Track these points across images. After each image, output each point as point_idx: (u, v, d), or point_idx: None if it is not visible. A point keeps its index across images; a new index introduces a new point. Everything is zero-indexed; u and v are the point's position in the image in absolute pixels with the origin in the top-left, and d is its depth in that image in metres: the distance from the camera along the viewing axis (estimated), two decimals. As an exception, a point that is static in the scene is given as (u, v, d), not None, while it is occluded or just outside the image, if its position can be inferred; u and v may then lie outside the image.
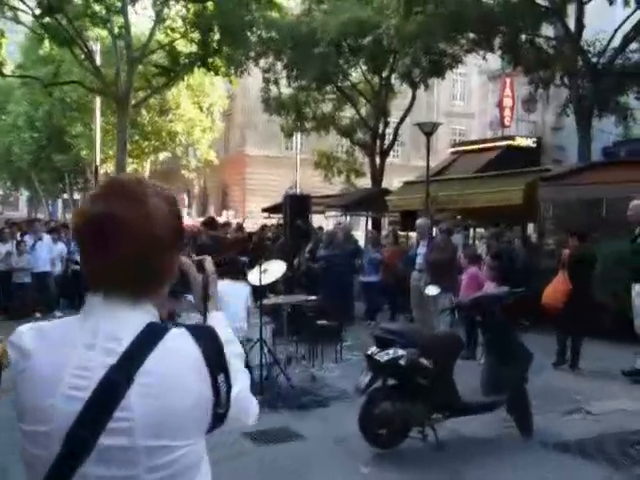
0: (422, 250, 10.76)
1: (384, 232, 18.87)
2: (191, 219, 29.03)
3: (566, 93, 17.48)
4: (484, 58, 19.35)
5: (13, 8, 20.04)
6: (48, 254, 13.58)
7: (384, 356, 5.22)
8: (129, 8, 20.47)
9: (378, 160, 22.99)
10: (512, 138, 24.25)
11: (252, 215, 33.28)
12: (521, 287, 7.29)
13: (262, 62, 22.43)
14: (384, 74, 22.26)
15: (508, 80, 24.66)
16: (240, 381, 1.45)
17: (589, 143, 16.38)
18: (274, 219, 21.85)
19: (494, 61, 21.46)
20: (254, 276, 7.65)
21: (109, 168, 30.04)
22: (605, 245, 10.18)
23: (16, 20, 21.02)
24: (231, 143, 43.67)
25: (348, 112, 25.07)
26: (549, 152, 23.70)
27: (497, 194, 14.93)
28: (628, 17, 15.79)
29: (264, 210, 24.94)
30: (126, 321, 1.31)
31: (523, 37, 17.49)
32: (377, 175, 22.94)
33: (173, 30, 21.49)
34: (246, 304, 7.31)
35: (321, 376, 8.01)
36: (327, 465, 5.30)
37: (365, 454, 5.35)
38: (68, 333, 1.32)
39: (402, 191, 19.39)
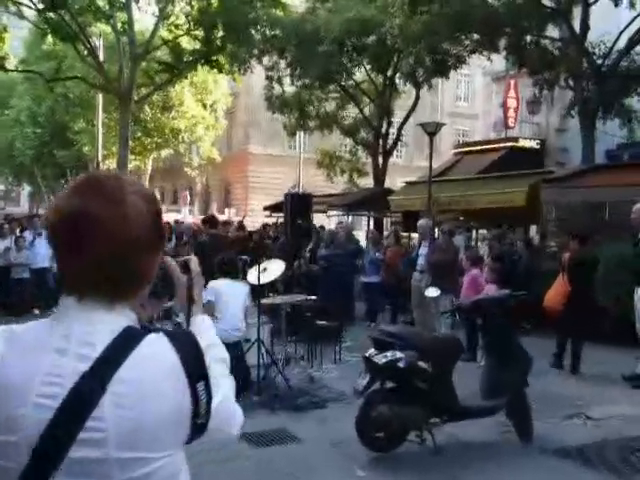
0: (423, 251, 10.69)
1: (386, 232, 18.80)
2: (193, 217, 29.00)
3: (570, 95, 17.41)
4: (489, 59, 19.28)
5: (17, 3, 20.00)
6: (47, 250, 13.46)
7: (382, 358, 5.14)
8: (133, 4, 20.42)
9: (381, 160, 22.93)
10: (516, 140, 24.19)
11: (254, 213, 33.27)
12: (523, 290, 7.22)
13: (265, 60, 22.38)
14: (388, 74, 22.19)
15: (512, 81, 24.61)
16: (223, 389, 1.38)
17: (593, 145, 16.32)
18: (276, 218, 21.81)
19: (498, 62, 21.39)
20: (253, 275, 7.58)
21: (111, 164, 29.98)
22: (607, 248, 10.11)
23: (20, 15, 20.99)
24: (234, 141, 43.63)
25: (351, 111, 25.01)
26: (553, 154, 23.63)
27: (500, 195, 14.87)
28: (634, 19, 15.72)
29: (265, 208, 24.90)
30: (101, 325, 1.24)
31: (528, 38, 17.43)
32: (380, 175, 22.88)
33: (177, 27, 21.44)
34: (244, 304, 7.24)
35: (319, 377, 7.94)
36: (323, 468, 5.23)
37: (362, 457, 5.28)
38: (40, 337, 1.25)
39: (404, 191, 19.33)
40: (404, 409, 5.20)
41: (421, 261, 10.60)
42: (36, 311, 12.24)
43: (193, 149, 37.48)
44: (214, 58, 21.07)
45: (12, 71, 24.89)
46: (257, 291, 7.69)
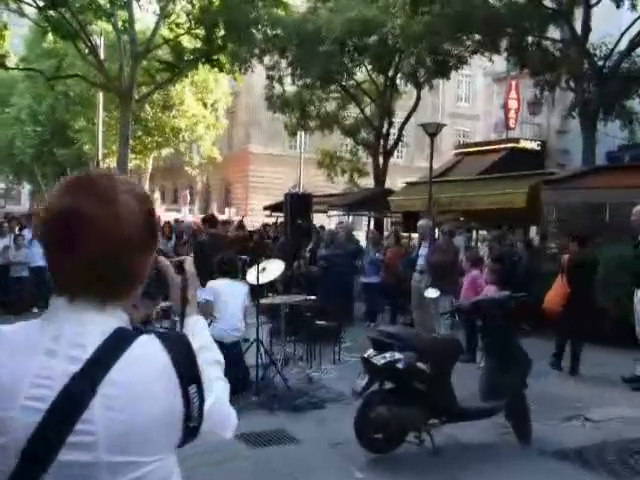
0: (423, 252, 10.66)
1: (386, 233, 18.78)
2: (193, 216, 28.99)
3: (571, 96, 17.39)
4: (490, 60, 19.26)
5: (17, 0, 19.99)
6: (46, 248, 13.50)
7: (381, 359, 5.12)
8: (133, 2, 20.42)
9: (381, 160, 22.91)
10: (516, 141, 24.18)
11: (254, 213, 33.26)
12: (523, 291, 7.20)
13: (266, 59, 22.36)
14: (389, 74, 22.17)
15: (514, 82, 24.59)
16: (216, 391, 1.36)
17: (594, 147, 16.30)
18: (276, 217, 21.79)
19: (499, 63, 21.37)
20: (253, 275, 7.56)
21: (112, 163, 29.97)
22: (608, 250, 10.09)
23: (20, 13, 20.99)
24: (235, 140, 43.62)
25: (352, 111, 24.99)
26: (553, 155, 23.62)
27: (500, 196, 14.85)
28: (635, 21, 15.70)
29: (266, 208, 24.88)
30: (92, 326, 1.22)
31: (529, 39, 17.41)
32: (380, 175, 22.86)
33: (178, 26, 21.45)
34: (243, 303, 7.22)
35: (318, 377, 7.90)
36: (322, 469, 5.21)
37: (360, 458, 5.26)
38: (30, 338, 1.23)
39: (404, 192, 19.31)
40: (403, 410, 5.17)
41: (421, 262, 10.58)
42: (35, 309, 12.21)
43: (194, 148, 37.48)
44: (215, 57, 21.10)
45: (12, 69, 24.91)
46: (256, 291, 7.66)
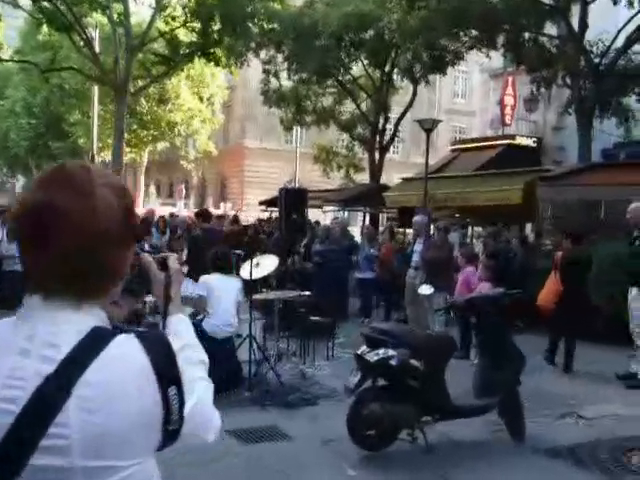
0: (418, 248, 10.63)
1: (381, 228, 18.75)
2: (188, 210, 28.90)
3: (568, 93, 17.36)
4: (488, 56, 19.22)
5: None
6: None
7: (374, 356, 5.09)
8: (129, -5, 20.31)
9: (377, 156, 22.87)
10: (513, 137, 24.16)
11: (249, 208, 33.20)
12: (517, 288, 7.17)
13: (262, 54, 22.28)
14: (385, 69, 22.11)
15: (510, 79, 24.55)
16: (198, 392, 1.32)
17: (589, 144, 16.28)
18: (270, 212, 21.74)
19: (496, 59, 21.33)
20: (246, 270, 7.52)
21: (107, 157, 29.88)
22: (603, 247, 10.08)
23: (14, 4, 20.84)
24: (231, 134, 43.51)
25: (348, 107, 24.93)
26: (549, 152, 23.61)
27: (496, 193, 14.83)
28: (632, 18, 15.66)
29: (261, 203, 24.83)
30: (67, 325, 1.17)
31: (526, 35, 17.36)
32: (376, 171, 22.82)
33: (173, 19, 21.34)
34: (237, 299, 7.18)
35: (312, 373, 7.86)
36: (314, 466, 5.18)
37: (353, 456, 5.23)
38: (3, 338, 1.18)
39: (400, 187, 19.28)
40: (396, 407, 5.14)
41: (416, 258, 10.55)
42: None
43: (189, 142, 37.39)
44: (211, 51, 20.98)
45: (7, 61, 24.79)
46: (250, 286, 7.62)
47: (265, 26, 21.02)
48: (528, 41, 17.39)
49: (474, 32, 17.56)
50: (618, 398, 7.25)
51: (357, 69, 23.33)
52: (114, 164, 20.82)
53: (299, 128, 28.42)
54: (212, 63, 22.31)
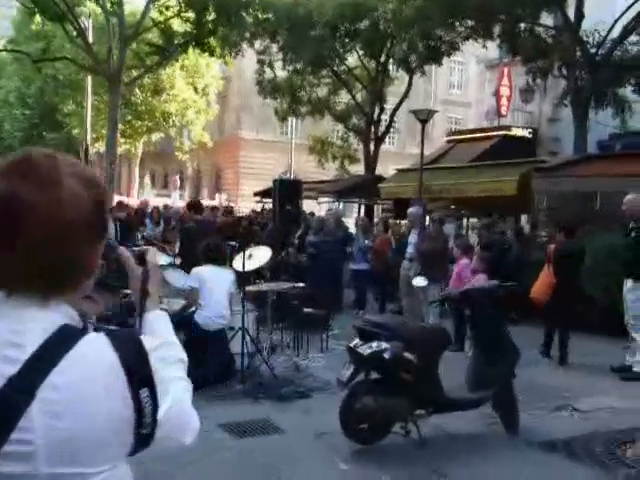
0: (413, 239, 10.59)
1: (376, 219, 18.70)
2: (183, 201, 28.80)
3: (564, 84, 17.30)
4: (484, 46, 19.11)
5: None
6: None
7: (367, 349, 5.03)
8: (122, -16, 20.11)
9: (372, 146, 22.79)
10: (508, 128, 24.11)
11: (245, 199, 33.10)
12: (512, 279, 7.14)
13: (257, 44, 22.14)
14: (381, 59, 22.00)
15: (506, 69, 24.48)
16: (175, 393, 1.25)
17: (585, 135, 16.25)
18: (264, 204, 21.66)
19: (492, 50, 21.24)
20: (238, 262, 7.46)
21: (101, 147, 29.73)
22: (598, 238, 10.05)
23: (7, -7, 20.66)
24: (226, 125, 43.34)
25: (343, 97, 24.83)
26: (545, 143, 23.57)
27: (491, 184, 14.79)
28: (628, 8, 15.59)
29: (256, 194, 24.74)
30: (33, 324, 1.10)
31: (522, 26, 17.27)
32: (371, 162, 22.75)
33: (167, 8, 21.15)
34: (229, 291, 7.12)
35: (305, 366, 7.81)
36: (306, 460, 5.13)
37: (345, 450, 5.18)
38: None
39: (395, 179, 19.21)
40: (389, 400, 5.09)
41: (410, 249, 10.51)
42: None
43: (184, 133, 37.23)
44: (205, 41, 20.82)
45: (0, 51, 24.56)
46: (242, 278, 7.56)
47: (260, 16, 20.88)
48: (524, 31, 17.32)
49: (470, 22, 17.48)
50: (613, 390, 7.22)
51: (352, 59, 23.23)
52: (108, 155, 20.70)
53: (294, 119, 28.28)
54: (206, 53, 22.15)
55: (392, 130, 24.68)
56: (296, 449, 5.31)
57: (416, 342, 5.27)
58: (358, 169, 25.59)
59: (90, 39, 20.84)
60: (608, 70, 16.10)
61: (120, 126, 23.77)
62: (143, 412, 1.11)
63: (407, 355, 5.12)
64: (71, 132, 31.95)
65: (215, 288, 7.00)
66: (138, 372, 1.12)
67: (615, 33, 15.89)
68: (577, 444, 5.53)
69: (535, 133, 24.33)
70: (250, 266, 7.50)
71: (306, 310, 8.96)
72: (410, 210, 11.27)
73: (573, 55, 16.23)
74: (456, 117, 43.11)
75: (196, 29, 20.57)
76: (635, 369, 7.85)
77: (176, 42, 21.27)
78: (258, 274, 10.03)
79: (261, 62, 22.90)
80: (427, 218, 12.21)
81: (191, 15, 20.60)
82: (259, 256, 7.79)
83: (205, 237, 8.30)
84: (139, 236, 13.01)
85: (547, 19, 17.63)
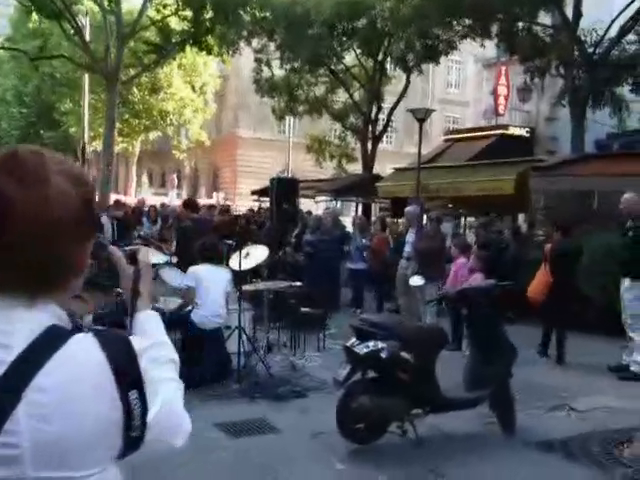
0: (410, 238, 10.57)
1: (374, 218, 18.69)
2: (180, 200, 28.76)
3: (561, 83, 17.29)
4: (482, 45, 19.10)
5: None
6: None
7: (364, 349, 5.01)
8: (120, -18, 20.06)
9: (370, 145, 22.77)
10: (506, 127, 24.10)
11: (242, 198, 33.07)
12: (509, 278, 7.12)
13: (255, 42, 22.11)
14: (378, 58, 21.98)
15: (503, 68, 24.47)
16: (166, 394, 1.23)
17: (582, 134, 16.24)
18: (261, 202, 21.63)
19: (490, 49, 21.23)
20: (235, 261, 7.44)
21: (98, 146, 29.67)
22: (596, 237, 10.04)
23: (3, -9, 20.60)
24: (223, 124, 43.31)
25: (341, 96, 24.81)
26: (542, 142, 23.56)
27: (488, 183, 14.77)
28: (626, 7, 15.57)
29: (253, 193, 24.70)
30: (20, 324, 1.08)
31: (520, 25, 17.26)
32: (369, 161, 22.74)
33: (165, 7, 21.12)
34: (225, 289, 7.10)
35: (302, 365, 7.80)
36: (302, 460, 5.11)
37: (342, 449, 5.16)
38: None
39: (393, 178, 19.18)
40: (385, 400, 5.08)
41: (408, 248, 10.49)
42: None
43: (182, 132, 37.19)
44: (203, 39, 20.78)
45: (-5, 48, 24.51)
46: (239, 277, 7.54)
47: (257, 14, 20.84)
48: (522, 30, 17.30)
49: (467, 21, 17.46)
50: (610, 390, 7.21)
51: (350, 58, 23.20)
52: (105, 153, 20.66)
53: (292, 117, 28.26)
54: (204, 52, 22.11)
55: (390, 129, 24.70)
56: (292, 449, 5.29)
57: (413, 341, 5.25)
58: (356, 168, 25.58)
59: (87, 37, 20.81)
60: (606, 69, 16.09)
61: (117, 125, 23.71)
62: (132, 414, 1.09)
63: (404, 354, 5.10)
64: (68, 131, 31.88)
65: (211, 287, 6.98)
66: (127, 373, 1.10)
67: (613, 32, 15.88)
68: (574, 444, 5.52)
69: (533, 132, 24.32)
70: (247, 265, 7.48)
71: (303, 309, 8.94)
72: (407, 209, 11.25)
73: (571, 54, 16.22)
74: (454, 116, 43.11)
75: (193, 27, 20.53)
76: (632, 368, 7.84)
77: (173, 40, 21.24)
78: (255, 273, 10.02)
79: (258, 61, 22.88)
80: (424, 217, 12.21)
81: (188, 13, 20.56)
82: (256, 255, 7.77)
83: (201, 236, 8.27)
84: (135, 235, 12.99)
85: (545, 18, 17.62)
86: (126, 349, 1.13)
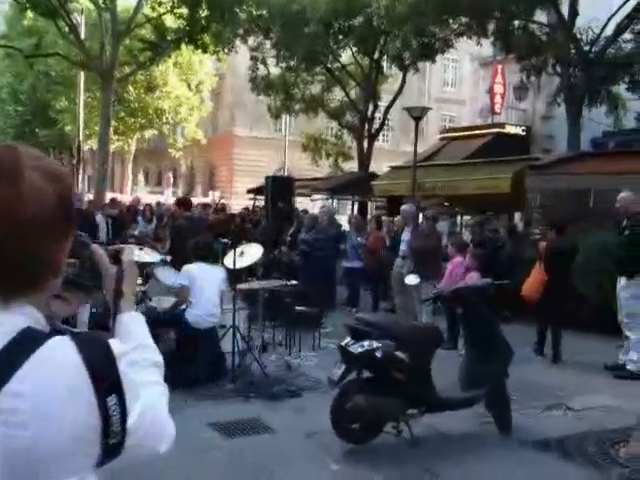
0: (406, 237, 10.53)
1: (370, 217, 18.66)
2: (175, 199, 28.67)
3: (557, 82, 17.27)
4: (478, 44, 19.07)
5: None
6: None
7: (358, 348, 4.98)
8: (115, -21, 19.97)
9: (366, 144, 22.74)
10: (502, 126, 24.10)
11: (238, 196, 33.00)
12: (505, 277, 7.10)
13: (250, 40, 22.05)
14: (374, 56, 21.94)
15: (500, 67, 24.46)
16: (148, 398, 1.18)
17: (579, 133, 16.24)
18: (255, 200, 21.58)
19: (486, 47, 21.21)
20: (230, 259, 7.39)
21: (94, 144, 29.59)
22: (592, 236, 10.02)
23: (-3, -12, 20.51)
24: (219, 122, 43.21)
25: (337, 94, 24.75)
26: (539, 141, 23.56)
27: (485, 181, 14.76)
28: (622, 5, 15.56)
29: (249, 191, 24.64)
30: None
31: (516, 23, 17.23)
32: (365, 159, 22.70)
33: (160, 4, 20.99)
34: (220, 288, 7.05)
35: (297, 364, 7.76)
36: (297, 460, 5.07)
37: (336, 449, 5.12)
38: None
39: (389, 176, 19.16)
40: (380, 400, 5.04)
41: (403, 247, 10.45)
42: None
43: (178, 130, 37.09)
44: (198, 37, 20.70)
45: (-10, 46, 24.40)
46: (234, 276, 7.49)
47: (253, 12, 20.78)
48: (518, 29, 17.28)
49: (464, 19, 17.43)
50: (607, 389, 7.19)
51: (346, 56, 23.15)
52: (101, 152, 20.58)
53: (288, 116, 28.21)
54: (200, 50, 22.03)
55: (386, 127, 24.69)
56: (287, 449, 5.25)
57: (408, 341, 5.21)
58: (352, 166, 25.53)
59: (82, 35, 20.72)
60: (602, 68, 16.08)
61: (113, 123, 23.64)
62: (110, 420, 1.05)
63: (399, 354, 5.07)
64: (63, 129, 31.77)
65: (206, 286, 6.93)
66: (105, 377, 1.06)
67: (609, 31, 15.87)
68: (570, 443, 5.50)
69: (529, 131, 24.32)
70: (242, 263, 7.44)
71: (298, 308, 8.90)
72: (403, 207, 11.21)
73: (567, 53, 16.20)
74: (450, 115, 43.07)
75: (189, 25, 20.44)
76: (628, 367, 7.82)
77: (169, 38, 21.15)
78: (250, 272, 9.97)
79: (254, 59, 22.82)
80: (420, 215, 12.16)
81: (184, 11, 20.46)
82: (251, 253, 7.73)
83: (196, 235, 8.23)
84: (129, 234, 12.93)
85: (541, 16, 17.60)
86: (104, 352, 1.08)
